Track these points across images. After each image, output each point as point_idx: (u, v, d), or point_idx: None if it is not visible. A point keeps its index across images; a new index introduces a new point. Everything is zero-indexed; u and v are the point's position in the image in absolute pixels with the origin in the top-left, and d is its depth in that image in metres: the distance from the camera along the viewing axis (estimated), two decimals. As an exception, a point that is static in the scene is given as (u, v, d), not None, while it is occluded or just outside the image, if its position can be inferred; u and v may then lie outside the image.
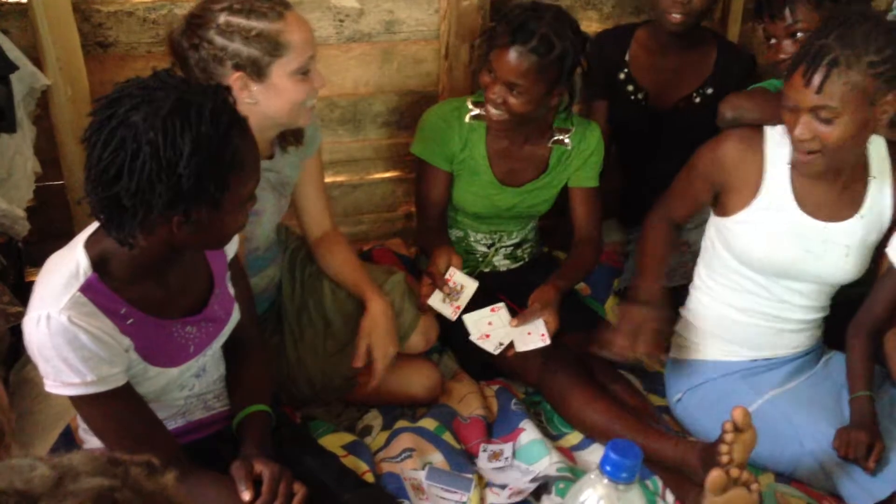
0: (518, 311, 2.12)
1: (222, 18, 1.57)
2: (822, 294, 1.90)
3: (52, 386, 1.29)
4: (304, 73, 1.64)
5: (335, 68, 2.37)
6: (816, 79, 1.59)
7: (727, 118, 1.91)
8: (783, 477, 1.84)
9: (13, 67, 1.87)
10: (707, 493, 1.49)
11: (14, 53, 1.91)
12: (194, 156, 1.19)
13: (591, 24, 2.58)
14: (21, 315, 1.41)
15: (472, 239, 2.31)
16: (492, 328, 2.05)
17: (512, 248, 2.34)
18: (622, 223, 2.74)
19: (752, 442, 1.59)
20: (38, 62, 2.00)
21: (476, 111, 2.12)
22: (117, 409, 1.33)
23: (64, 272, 1.28)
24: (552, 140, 2.15)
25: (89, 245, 1.31)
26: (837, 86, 1.58)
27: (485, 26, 2.41)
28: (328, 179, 2.50)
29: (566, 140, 2.16)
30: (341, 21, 2.32)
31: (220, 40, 1.57)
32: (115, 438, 1.33)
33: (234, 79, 1.59)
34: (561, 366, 1.99)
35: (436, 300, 2.04)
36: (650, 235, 2.04)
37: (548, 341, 2.00)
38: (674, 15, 2.24)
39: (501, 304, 2.08)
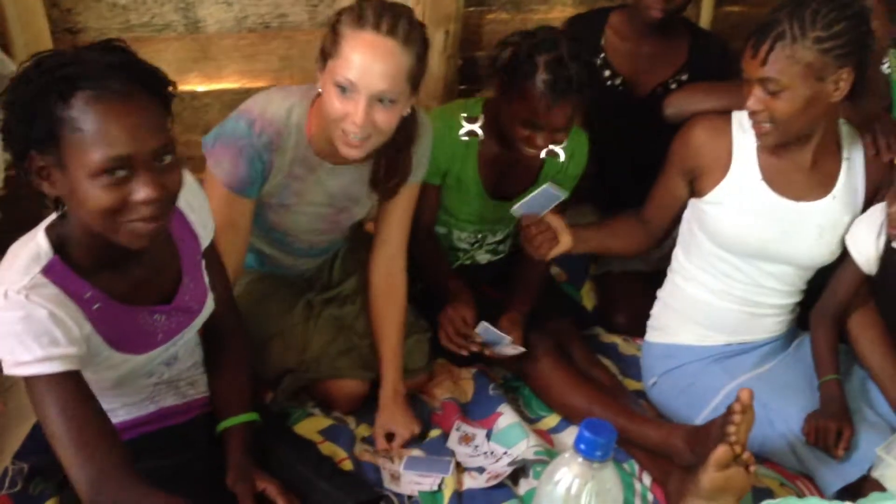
0: (492, 295, 2.16)
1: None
2: (798, 278, 1.92)
3: (6, 366, 1.25)
4: (343, 90, 1.58)
5: (308, 54, 2.33)
6: (762, 51, 1.62)
7: (668, 114, 1.97)
8: (756, 458, 1.86)
9: (-19, 58, 1.84)
10: (710, 467, 1.51)
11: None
12: (13, 99, 1.18)
13: (564, 10, 2.58)
14: None
15: (455, 237, 2.28)
16: None
17: (495, 244, 2.34)
18: (597, 209, 2.75)
19: (751, 422, 1.62)
20: (6, 48, 1.96)
21: (469, 128, 2.04)
22: (68, 399, 1.25)
23: (24, 256, 1.26)
24: (545, 151, 2.04)
25: (49, 230, 1.29)
26: (781, 59, 1.60)
27: (458, 12, 2.39)
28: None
29: (558, 150, 2.07)
30: (315, 6, 2.30)
31: (333, 19, 1.65)
32: (64, 436, 1.25)
33: (318, 68, 1.64)
34: (542, 352, 2.00)
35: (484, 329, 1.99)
36: (616, 217, 2.07)
37: (521, 349, 1.99)
38: (655, 10, 2.25)
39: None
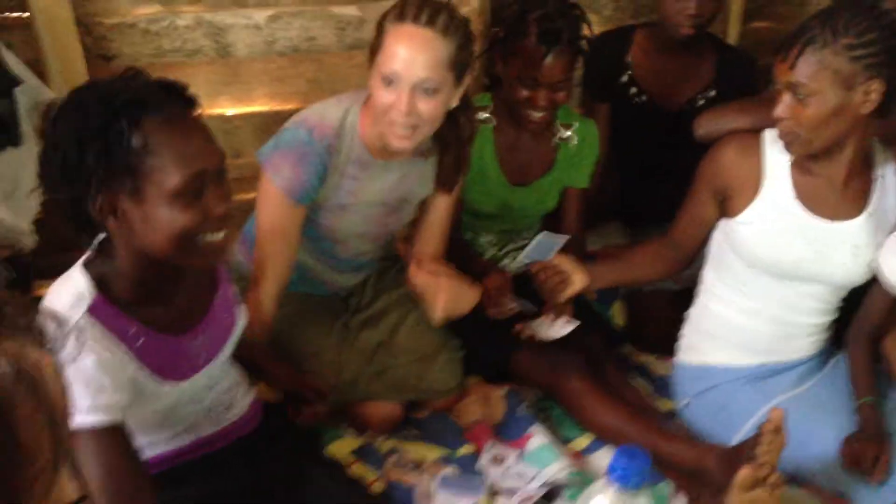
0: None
1: None
2: (833, 296, 1.89)
3: None
4: (388, 82, 1.64)
5: (337, 76, 2.37)
6: (792, 55, 1.60)
7: (699, 134, 1.95)
8: (792, 480, 1.84)
9: (17, 81, 1.87)
10: (734, 489, 1.48)
11: (18, 67, 1.92)
12: (77, 137, 1.16)
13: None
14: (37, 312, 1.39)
15: (482, 240, 2.31)
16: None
17: (520, 249, 2.34)
18: (625, 226, 2.75)
19: (783, 444, 1.60)
20: (41, 75, 2.01)
21: (481, 116, 2.12)
22: (109, 453, 1.23)
23: (67, 297, 1.24)
24: (558, 137, 2.17)
25: (88, 268, 1.28)
26: (810, 63, 1.58)
27: (486, 32, 2.41)
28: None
29: (570, 134, 2.18)
30: (342, 29, 2.33)
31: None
32: (101, 489, 1.22)
33: (368, 66, 1.71)
34: (573, 370, 1.99)
35: (540, 325, 2.02)
36: (638, 247, 2.08)
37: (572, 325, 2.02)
38: (685, 27, 2.26)
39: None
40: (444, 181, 1.92)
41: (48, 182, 1.22)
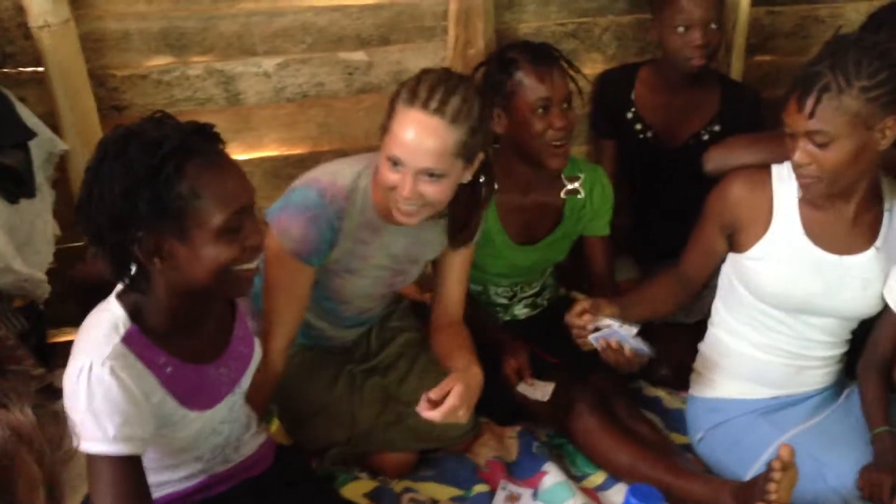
0: (542, 356, 2.15)
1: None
2: (843, 329, 1.89)
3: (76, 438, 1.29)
4: (394, 163, 1.64)
5: (346, 120, 2.40)
6: (809, 104, 1.60)
7: (708, 169, 1.95)
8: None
9: (31, 134, 1.91)
10: None
11: (32, 120, 1.96)
12: (126, 186, 1.22)
13: (595, 66, 2.61)
14: (44, 377, 1.43)
15: (491, 293, 2.29)
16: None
17: (532, 297, 2.34)
18: (636, 261, 2.75)
19: (794, 479, 1.58)
20: (55, 128, 2.04)
21: None
22: (124, 483, 1.29)
23: (104, 325, 1.30)
24: (564, 190, 2.11)
25: (122, 299, 1.34)
26: (829, 111, 1.59)
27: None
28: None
29: (576, 187, 2.13)
30: (350, 74, 2.36)
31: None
32: None
33: (379, 137, 1.71)
34: (584, 408, 1.98)
35: (524, 387, 2.04)
36: (652, 280, 2.07)
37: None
38: (696, 59, 2.28)
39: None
40: (459, 241, 1.90)
41: (94, 231, 1.27)
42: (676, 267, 2.00)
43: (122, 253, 1.27)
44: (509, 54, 2.01)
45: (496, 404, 2.11)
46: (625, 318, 1.88)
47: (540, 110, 1.97)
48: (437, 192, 1.65)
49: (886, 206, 1.81)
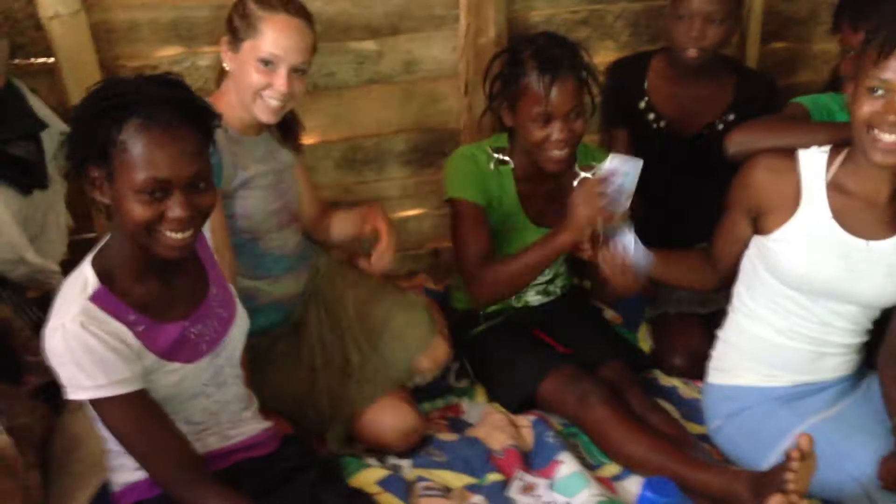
0: (555, 346, 2.15)
1: None
2: (865, 317, 1.87)
3: (69, 392, 1.38)
4: (266, 63, 1.81)
5: (357, 110, 2.40)
6: None
7: (731, 153, 1.93)
8: (827, 502, 1.80)
9: (43, 125, 1.92)
10: None
11: (43, 111, 1.96)
12: (80, 114, 1.37)
13: (608, 54, 2.60)
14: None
15: None
16: None
17: (545, 284, 2.33)
18: (648, 250, 2.73)
19: (813, 469, 1.57)
20: (67, 118, 2.04)
21: (499, 157, 2.11)
22: (134, 413, 1.40)
23: (74, 287, 1.40)
24: (577, 180, 2.05)
25: (94, 261, 1.43)
26: None
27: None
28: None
29: (590, 175, 2.07)
30: (361, 63, 2.35)
31: (232, 8, 1.86)
32: (135, 443, 1.43)
33: (222, 41, 1.87)
34: (598, 398, 1.97)
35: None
36: (693, 250, 2.13)
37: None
38: (690, 50, 2.26)
39: None
40: (288, 140, 2.05)
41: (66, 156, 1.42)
42: (704, 252, 2.01)
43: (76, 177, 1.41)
44: (522, 53, 1.99)
45: (508, 389, 2.11)
46: (660, 273, 1.98)
47: (540, 121, 1.97)
48: (302, 86, 1.88)
49: None
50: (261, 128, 1.95)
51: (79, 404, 1.80)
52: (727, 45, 2.41)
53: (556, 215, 2.13)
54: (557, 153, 2.00)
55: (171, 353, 1.46)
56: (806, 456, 1.54)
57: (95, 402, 1.39)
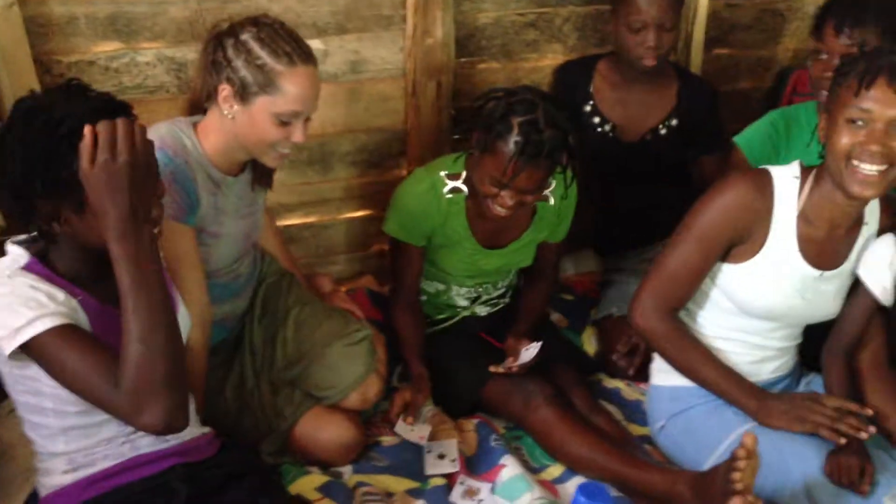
0: (499, 346, 2.16)
1: (244, 36, 1.68)
2: (802, 327, 1.93)
3: (6, 342, 1.31)
4: (283, 121, 1.70)
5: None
6: None
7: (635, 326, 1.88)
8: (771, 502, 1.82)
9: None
10: None
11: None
12: (25, 166, 1.30)
13: (555, 57, 2.60)
14: None
15: (453, 293, 2.27)
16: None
17: (497, 298, 2.33)
18: (597, 254, 2.75)
19: (757, 468, 1.58)
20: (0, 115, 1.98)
21: (452, 185, 2.06)
22: (75, 343, 1.32)
23: (2, 264, 1.38)
24: (526, 350, 2.06)
25: (21, 244, 1.42)
26: None
27: (450, 63, 2.42)
28: (299, 220, 2.54)
29: (547, 194, 2.09)
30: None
31: (231, 52, 1.68)
32: (86, 372, 1.31)
33: (222, 88, 1.70)
34: (542, 400, 1.98)
35: (402, 427, 2.03)
36: (674, 338, 1.86)
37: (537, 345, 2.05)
38: (647, 59, 2.28)
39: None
40: (261, 181, 1.95)
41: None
42: (667, 314, 1.84)
43: (23, 216, 1.36)
44: (513, 117, 1.85)
45: (452, 396, 2.10)
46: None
47: (497, 184, 1.92)
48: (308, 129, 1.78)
49: (865, 219, 1.80)
50: (243, 166, 1.87)
51: (8, 409, 1.76)
52: (674, 51, 2.44)
53: (506, 236, 2.17)
54: (501, 210, 1.96)
55: (103, 335, 1.38)
56: (751, 454, 1.55)
57: (32, 346, 1.31)
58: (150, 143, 1.33)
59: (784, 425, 1.76)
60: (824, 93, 1.75)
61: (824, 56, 2.00)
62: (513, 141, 1.84)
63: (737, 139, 2.22)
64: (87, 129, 1.26)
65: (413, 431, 2.02)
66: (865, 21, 1.94)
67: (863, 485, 1.68)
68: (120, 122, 1.28)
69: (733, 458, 1.56)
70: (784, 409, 1.77)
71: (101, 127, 1.27)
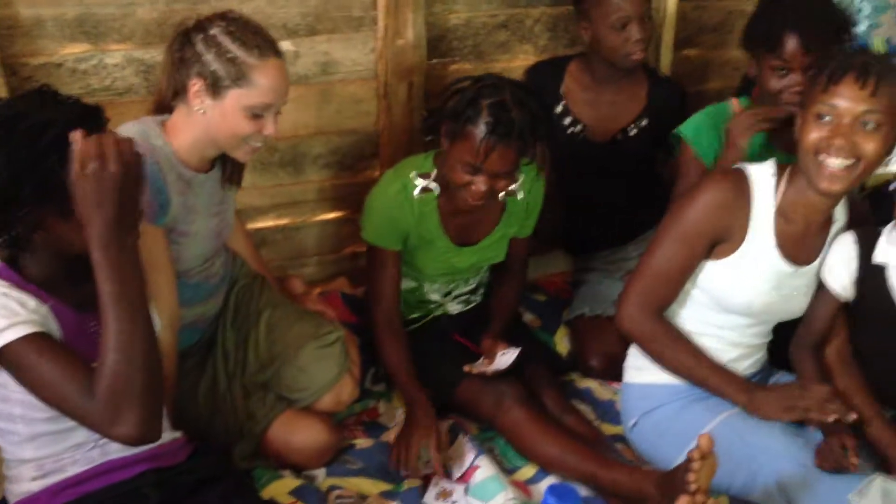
0: (472, 348, 2.16)
1: (213, 31, 1.67)
2: (774, 325, 1.95)
3: None
4: (255, 114, 1.70)
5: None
6: (871, 83, 1.58)
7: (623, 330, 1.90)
8: (737, 500, 1.84)
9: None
10: None
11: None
12: (10, 173, 1.28)
13: (526, 58, 2.61)
14: None
15: (426, 289, 2.26)
16: None
17: (468, 294, 2.33)
18: (568, 253, 2.76)
19: (714, 468, 1.60)
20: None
21: (423, 184, 2.05)
22: (47, 351, 1.31)
23: None
24: (502, 194, 2.04)
25: None
26: (886, 94, 1.59)
27: (421, 64, 2.42)
28: (271, 223, 2.52)
29: (516, 188, 2.08)
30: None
31: (200, 47, 1.67)
32: (61, 381, 1.30)
33: (192, 83, 1.68)
34: (514, 401, 1.99)
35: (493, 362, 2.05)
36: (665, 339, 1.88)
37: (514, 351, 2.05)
38: (636, 53, 2.30)
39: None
40: (231, 179, 1.94)
41: None
42: (653, 314, 1.86)
43: (3, 224, 1.34)
44: (482, 100, 1.87)
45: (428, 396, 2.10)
46: None
47: (469, 170, 1.92)
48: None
49: (836, 216, 1.84)
50: (213, 163, 1.85)
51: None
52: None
53: (478, 232, 2.17)
54: (474, 200, 1.96)
55: (72, 342, 1.38)
56: (706, 455, 1.57)
57: (4, 354, 1.30)
58: (139, 156, 1.33)
59: (775, 415, 1.79)
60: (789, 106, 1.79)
61: (784, 72, 1.98)
62: (483, 122, 1.86)
63: (682, 132, 2.19)
64: (76, 136, 1.26)
65: (504, 356, 2.03)
66: (830, 38, 1.96)
67: (850, 458, 1.69)
68: (110, 134, 1.30)
69: (688, 459, 1.58)
70: (773, 400, 1.80)
71: (93, 137, 1.27)
